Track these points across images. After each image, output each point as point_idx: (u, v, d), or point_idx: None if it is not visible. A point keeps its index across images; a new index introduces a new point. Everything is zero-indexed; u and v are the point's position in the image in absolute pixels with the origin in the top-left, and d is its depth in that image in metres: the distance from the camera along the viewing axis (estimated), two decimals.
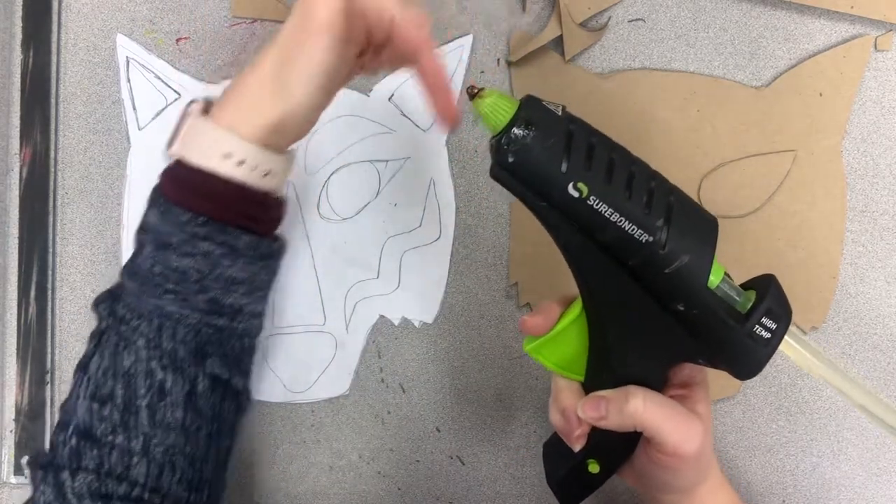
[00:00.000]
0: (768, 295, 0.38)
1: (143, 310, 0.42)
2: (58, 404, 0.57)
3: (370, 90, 0.56)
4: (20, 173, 0.56)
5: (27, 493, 0.56)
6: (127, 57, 0.56)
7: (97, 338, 0.43)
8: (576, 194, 0.35)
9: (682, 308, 0.37)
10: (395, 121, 0.56)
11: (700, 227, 0.37)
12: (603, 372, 0.41)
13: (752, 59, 0.56)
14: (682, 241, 0.36)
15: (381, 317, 0.57)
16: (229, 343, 0.44)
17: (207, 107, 0.42)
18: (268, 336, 0.56)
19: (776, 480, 0.57)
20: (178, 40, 0.57)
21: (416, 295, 0.57)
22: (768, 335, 0.37)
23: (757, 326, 0.37)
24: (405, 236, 0.57)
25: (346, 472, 0.58)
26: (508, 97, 0.37)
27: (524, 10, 0.56)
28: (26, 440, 0.56)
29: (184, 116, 0.43)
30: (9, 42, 0.57)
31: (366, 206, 0.57)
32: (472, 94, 0.37)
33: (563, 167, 0.35)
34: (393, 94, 0.56)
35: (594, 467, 0.44)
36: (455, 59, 0.56)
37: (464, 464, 0.58)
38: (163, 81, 0.56)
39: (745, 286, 0.40)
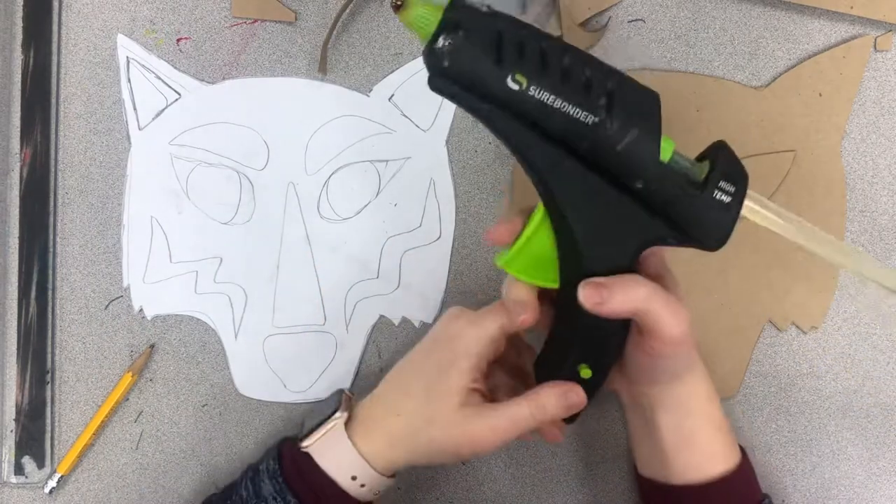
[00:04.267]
0: (720, 160, 0.39)
1: None
2: (58, 404, 0.57)
3: (370, 90, 0.56)
4: (20, 173, 0.56)
5: (27, 493, 0.57)
6: (127, 57, 0.56)
7: None
8: (515, 87, 0.36)
9: (640, 186, 0.38)
10: (395, 121, 0.56)
11: (643, 101, 0.38)
12: (575, 271, 0.41)
13: (752, 59, 0.56)
14: (627, 117, 0.37)
15: (381, 317, 0.57)
16: None
17: (350, 415, 0.47)
18: (268, 336, 0.56)
19: (776, 480, 0.57)
20: (178, 40, 0.57)
21: (416, 295, 0.57)
22: (728, 199, 0.38)
23: (716, 191, 0.38)
24: (405, 236, 0.57)
25: None
26: (432, 4, 0.36)
27: (524, 10, 0.56)
28: (26, 440, 0.56)
29: (326, 420, 0.47)
30: (9, 42, 0.57)
31: (366, 206, 0.57)
32: (397, 6, 0.37)
33: (498, 62, 0.36)
34: (393, 94, 0.56)
35: (586, 372, 0.44)
36: None
37: (464, 464, 0.58)
38: (163, 81, 0.56)
39: (698, 159, 0.41)
